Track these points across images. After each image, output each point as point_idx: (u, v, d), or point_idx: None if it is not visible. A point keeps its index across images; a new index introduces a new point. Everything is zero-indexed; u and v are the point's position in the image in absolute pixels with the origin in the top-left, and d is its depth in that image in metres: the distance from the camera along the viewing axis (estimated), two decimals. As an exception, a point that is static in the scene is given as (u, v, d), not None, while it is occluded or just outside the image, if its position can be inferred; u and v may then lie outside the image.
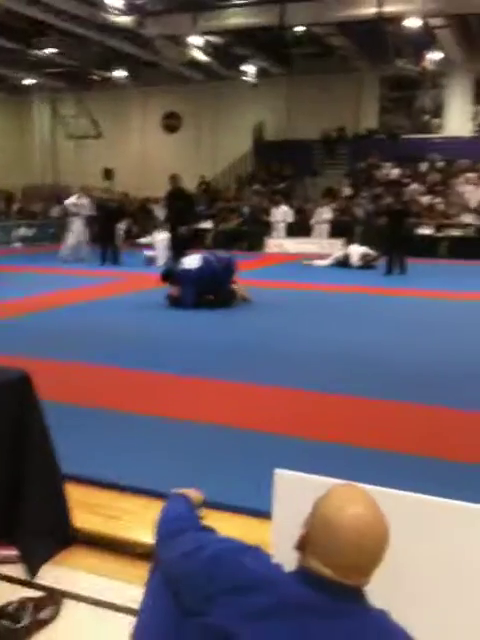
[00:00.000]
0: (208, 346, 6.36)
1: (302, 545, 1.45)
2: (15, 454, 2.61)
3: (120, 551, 2.66)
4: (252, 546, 1.54)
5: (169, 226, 12.70)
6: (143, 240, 17.35)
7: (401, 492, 1.79)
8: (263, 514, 2.55)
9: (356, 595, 1.40)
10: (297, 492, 1.78)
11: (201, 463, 3.42)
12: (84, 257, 14.67)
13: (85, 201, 15.14)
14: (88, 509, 2.87)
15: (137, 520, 2.79)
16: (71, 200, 15.10)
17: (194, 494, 1.96)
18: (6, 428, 2.57)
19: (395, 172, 21.52)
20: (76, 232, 14.89)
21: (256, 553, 1.52)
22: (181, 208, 11.98)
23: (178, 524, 1.69)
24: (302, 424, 4.12)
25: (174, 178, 12.37)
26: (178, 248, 11.52)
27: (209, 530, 1.69)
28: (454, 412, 4.41)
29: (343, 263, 14.11)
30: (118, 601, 2.37)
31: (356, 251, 14.18)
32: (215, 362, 5.68)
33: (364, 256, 13.96)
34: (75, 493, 2.83)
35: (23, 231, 19.44)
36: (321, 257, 15.02)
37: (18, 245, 18.88)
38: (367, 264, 13.83)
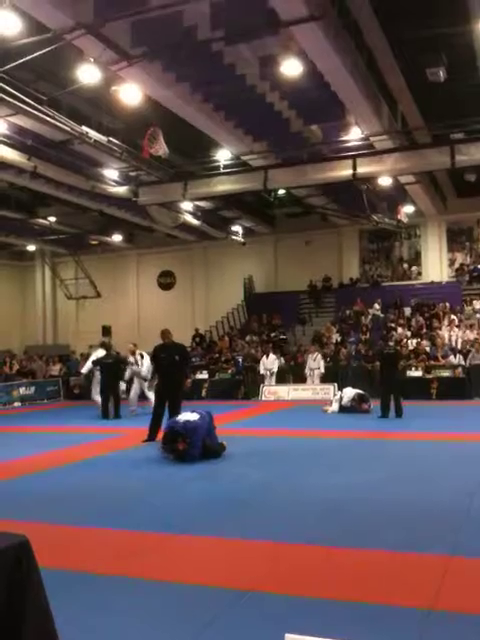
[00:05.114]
0: (201, 500, 6.34)
1: None
2: (11, 626, 2.55)
3: None
4: None
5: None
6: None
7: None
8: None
9: None
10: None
11: (201, 630, 3.36)
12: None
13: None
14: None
15: None
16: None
17: None
18: (2, 598, 2.54)
19: (377, 307, 22.39)
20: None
21: None
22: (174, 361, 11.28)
23: None
24: (300, 581, 4.06)
25: (165, 333, 10.78)
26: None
27: None
28: (457, 560, 4.35)
29: (344, 407, 14.17)
30: None
31: (348, 393, 14.36)
32: (208, 517, 5.67)
33: (356, 399, 14.05)
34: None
35: (23, 390, 19.68)
36: (324, 402, 15.31)
37: (18, 404, 19.05)
38: (359, 407, 13.89)
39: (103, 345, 16.08)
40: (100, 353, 15.44)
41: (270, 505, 6.09)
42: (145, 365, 14.84)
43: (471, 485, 6.62)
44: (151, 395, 14.76)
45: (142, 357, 14.96)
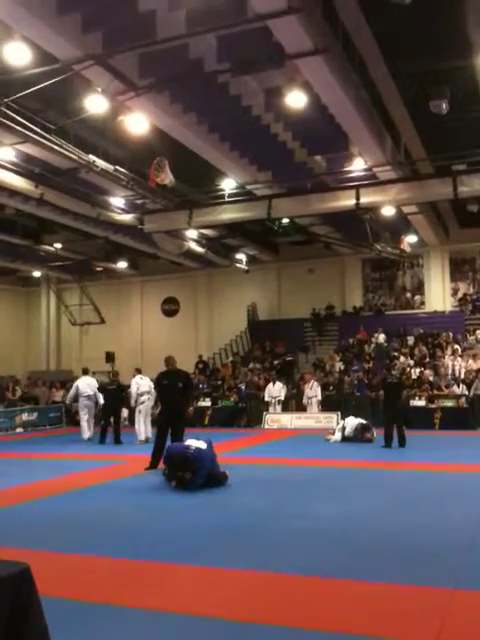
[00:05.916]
0: (202, 529, 6.26)
1: None
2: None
3: None
4: None
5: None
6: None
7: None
8: None
9: None
10: None
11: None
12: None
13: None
14: None
15: None
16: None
17: None
18: (3, 626, 2.53)
19: (382, 337, 22.36)
20: None
21: None
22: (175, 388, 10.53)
23: None
24: (300, 614, 4.01)
25: (169, 360, 10.74)
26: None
27: None
28: (461, 593, 4.28)
29: (347, 437, 14.05)
30: None
31: (351, 423, 14.26)
32: (209, 547, 5.62)
33: (358, 428, 13.93)
34: None
35: (25, 416, 19.62)
36: (327, 431, 15.20)
37: (20, 430, 19.00)
38: (362, 436, 13.77)
39: (85, 372, 16.50)
40: (84, 380, 15.81)
41: (272, 535, 6.02)
42: (132, 391, 14.89)
43: (474, 516, 6.56)
44: (139, 426, 14.73)
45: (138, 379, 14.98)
